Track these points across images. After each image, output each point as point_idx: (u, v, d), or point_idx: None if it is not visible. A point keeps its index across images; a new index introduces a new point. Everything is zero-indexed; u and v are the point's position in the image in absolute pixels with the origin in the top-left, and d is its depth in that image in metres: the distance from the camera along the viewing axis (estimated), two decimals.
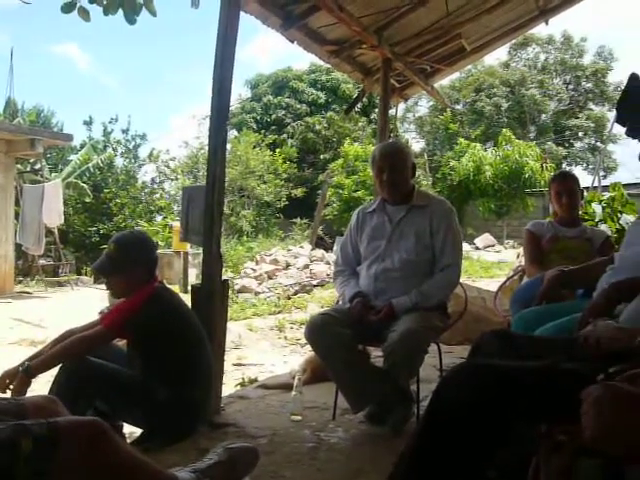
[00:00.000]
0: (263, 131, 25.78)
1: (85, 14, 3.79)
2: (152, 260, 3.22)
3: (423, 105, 34.64)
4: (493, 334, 2.20)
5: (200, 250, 3.76)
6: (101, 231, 19.17)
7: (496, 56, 36.74)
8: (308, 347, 3.91)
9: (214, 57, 3.54)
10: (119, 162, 22.56)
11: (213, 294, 3.50)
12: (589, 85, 34.44)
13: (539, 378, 1.74)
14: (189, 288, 3.95)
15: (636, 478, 2.14)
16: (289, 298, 10.98)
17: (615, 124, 8.17)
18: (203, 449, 2.82)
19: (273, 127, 27.30)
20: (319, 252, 14.71)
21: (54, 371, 2.95)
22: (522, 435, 1.93)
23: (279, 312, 9.73)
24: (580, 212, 4.58)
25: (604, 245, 3.80)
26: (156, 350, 2.98)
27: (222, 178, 3.61)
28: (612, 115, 9.82)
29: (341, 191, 21.48)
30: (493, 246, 18.60)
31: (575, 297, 3.09)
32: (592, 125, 32.60)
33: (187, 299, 3.48)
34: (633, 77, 7.06)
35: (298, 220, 20.42)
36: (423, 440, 1.84)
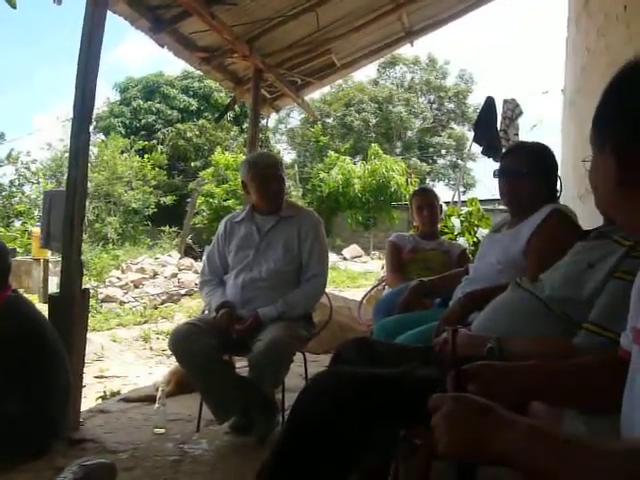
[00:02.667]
0: (132, 136, 25.04)
1: None
2: (4, 268, 3.02)
3: (295, 117, 35.12)
4: (353, 342, 2.26)
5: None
6: None
7: (366, 73, 38.05)
8: (174, 358, 3.83)
9: (78, 58, 3.41)
10: None
11: (72, 303, 3.36)
12: (451, 105, 36.31)
13: (396, 384, 1.80)
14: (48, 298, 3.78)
15: (486, 476, 2.26)
16: (156, 308, 10.71)
17: (473, 143, 8.66)
18: (59, 467, 2.68)
19: (142, 132, 26.59)
20: (188, 261, 14.47)
21: None
22: (382, 440, 1.98)
23: (145, 322, 9.46)
24: (440, 225, 4.80)
25: (460, 257, 4.02)
26: (7, 363, 2.80)
27: (84, 183, 3.48)
28: (471, 134, 10.44)
29: (211, 200, 21.29)
30: (360, 257, 19.05)
31: (433, 306, 3.23)
32: (453, 143, 34.36)
33: (46, 309, 3.32)
34: (489, 100, 7.54)
35: (167, 228, 19.96)
36: (285, 448, 1.85)
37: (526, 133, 10.37)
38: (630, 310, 1.22)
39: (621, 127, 1.05)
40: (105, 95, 28.36)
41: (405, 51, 33.41)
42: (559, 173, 2.56)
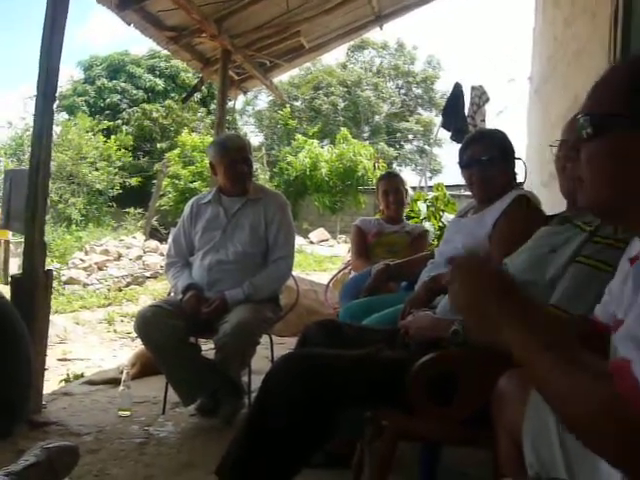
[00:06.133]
0: (96, 116, 24.56)
1: None
2: None
3: (263, 99, 34.82)
4: (319, 325, 2.27)
5: (23, 238, 3.53)
6: None
7: (335, 56, 37.76)
8: (139, 341, 3.81)
9: (42, 35, 3.34)
10: None
11: (35, 285, 3.31)
12: (419, 91, 36.37)
13: (362, 365, 1.82)
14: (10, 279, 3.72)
15: (450, 456, 2.31)
16: (120, 290, 10.57)
17: (441, 129, 8.72)
18: (20, 450, 2.65)
19: (107, 112, 26.08)
20: (153, 243, 14.31)
21: None
22: (348, 421, 2.01)
23: (109, 305, 9.35)
24: (407, 210, 4.84)
25: (420, 236, 4.05)
26: None
27: (47, 162, 3.42)
28: (438, 120, 10.49)
29: (177, 181, 21.04)
30: (327, 240, 19.04)
31: (399, 289, 3.26)
32: (421, 129, 34.44)
33: (7, 291, 3.26)
34: (457, 86, 7.59)
35: (132, 210, 19.69)
36: (252, 429, 1.86)
37: (492, 119, 10.46)
38: (607, 295, 1.22)
39: None
40: (68, 73, 27.75)
41: (374, 35, 33.38)
42: (524, 160, 2.59)
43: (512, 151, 2.52)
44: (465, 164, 2.51)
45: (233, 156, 3.46)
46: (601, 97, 1.05)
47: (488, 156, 2.42)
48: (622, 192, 1.02)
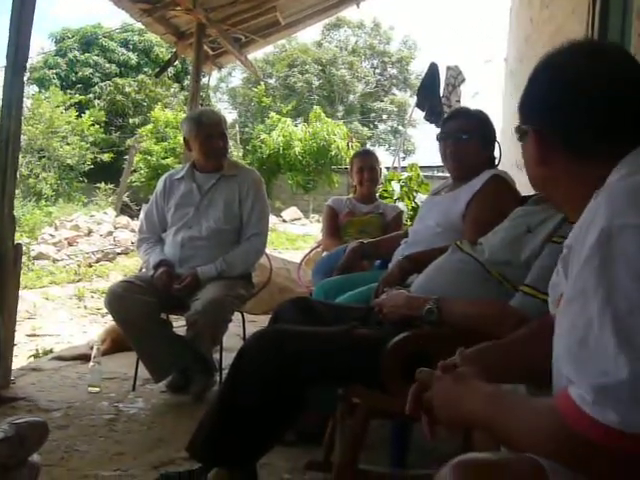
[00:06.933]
0: (68, 90, 24.06)
1: None
2: None
3: (237, 76, 34.53)
4: (292, 302, 2.26)
5: None
6: None
7: (310, 34, 37.54)
8: (109, 317, 3.77)
9: (11, 4, 3.26)
10: None
11: (4, 259, 3.26)
12: (394, 71, 36.32)
13: (335, 342, 1.82)
14: None
15: (420, 433, 2.33)
16: (90, 266, 10.45)
17: (415, 110, 8.71)
18: None
19: (79, 86, 25.56)
20: (124, 219, 14.17)
21: None
22: (320, 398, 2.01)
23: (79, 280, 9.25)
24: (380, 190, 4.83)
25: (395, 219, 4.05)
26: None
27: (17, 135, 3.35)
28: (413, 101, 10.48)
29: (150, 157, 20.78)
30: (299, 219, 19.03)
31: (373, 268, 3.27)
32: (395, 109, 34.43)
33: None
34: (432, 66, 7.57)
35: (103, 185, 19.42)
36: (223, 405, 1.86)
37: (468, 100, 10.46)
38: (555, 275, 1.23)
39: (539, 111, 1.15)
40: (39, 45, 27.09)
41: (350, 14, 33.16)
42: (499, 140, 2.59)
43: (490, 131, 2.52)
44: (442, 137, 2.52)
45: (208, 131, 3.42)
46: (519, 109, 1.23)
47: (465, 133, 2.42)
48: (536, 186, 1.27)
